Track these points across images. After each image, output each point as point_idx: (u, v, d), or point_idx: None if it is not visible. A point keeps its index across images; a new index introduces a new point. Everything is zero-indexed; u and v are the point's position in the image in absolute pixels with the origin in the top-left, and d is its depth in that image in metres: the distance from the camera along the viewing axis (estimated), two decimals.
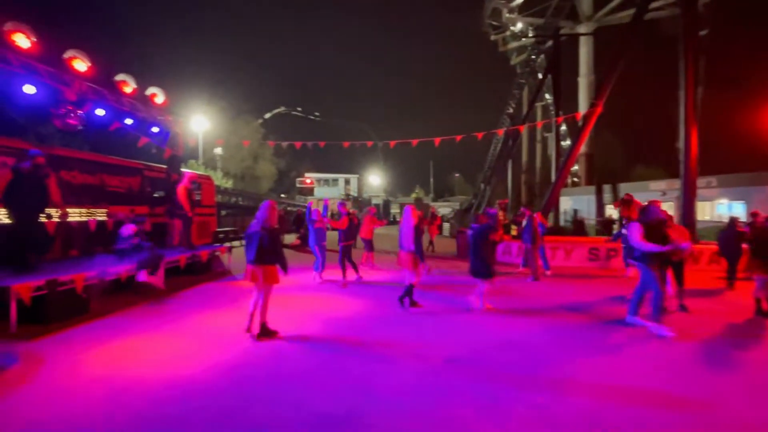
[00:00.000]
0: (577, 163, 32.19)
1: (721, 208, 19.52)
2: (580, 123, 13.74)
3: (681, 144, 11.18)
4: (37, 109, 6.94)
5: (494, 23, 41.53)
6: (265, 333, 4.55)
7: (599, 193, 24.46)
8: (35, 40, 5.93)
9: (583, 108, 28.77)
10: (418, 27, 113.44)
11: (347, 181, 46.24)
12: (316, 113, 45.86)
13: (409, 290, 5.92)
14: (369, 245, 10.28)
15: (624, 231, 10.23)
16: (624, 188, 24.76)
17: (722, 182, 19.38)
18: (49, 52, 6.26)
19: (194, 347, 4.31)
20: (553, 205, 14.09)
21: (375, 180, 51.49)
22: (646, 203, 5.53)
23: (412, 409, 2.98)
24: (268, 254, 4.43)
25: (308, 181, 45.66)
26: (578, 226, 19.20)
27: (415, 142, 11.94)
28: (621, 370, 3.76)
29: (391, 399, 3.14)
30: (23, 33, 5.78)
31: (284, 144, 13.66)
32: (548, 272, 9.09)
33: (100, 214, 7.98)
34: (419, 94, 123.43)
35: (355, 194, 44.93)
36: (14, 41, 5.70)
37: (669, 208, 23.03)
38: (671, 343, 4.46)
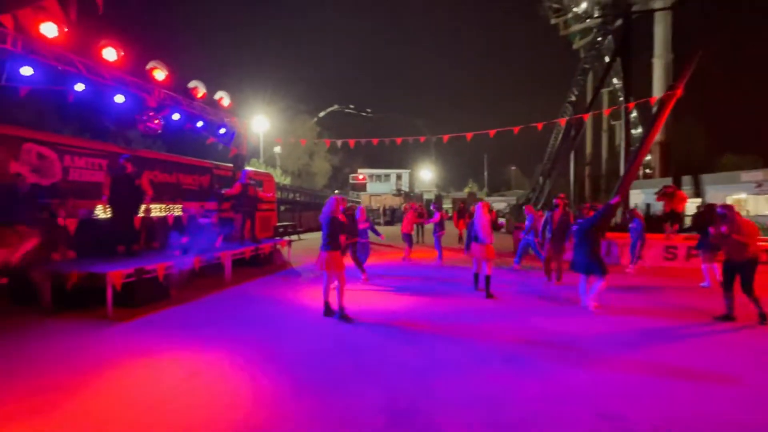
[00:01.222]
0: (650, 153, 29.33)
1: None
2: (654, 108, 12.47)
3: None
4: (124, 116, 7.78)
5: (555, 5, 38.99)
6: (344, 317, 5.01)
7: (677, 186, 22.09)
8: (122, 53, 6.63)
9: (657, 92, 26.14)
10: (473, 14, 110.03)
11: (399, 177, 46.28)
12: (368, 110, 46.36)
13: (486, 280, 6.28)
14: (408, 240, 10.43)
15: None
16: (708, 179, 22.19)
17: None
18: (133, 64, 6.97)
19: (270, 333, 4.59)
20: (624, 198, 12.96)
21: (426, 175, 51.03)
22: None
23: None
24: (333, 242, 4.92)
25: (360, 177, 46.43)
26: (652, 222, 17.51)
27: (469, 135, 11.59)
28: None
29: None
30: (112, 47, 6.48)
31: (339, 142, 13.95)
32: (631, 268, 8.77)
33: (177, 210, 8.76)
34: (474, 85, 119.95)
35: (407, 189, 44.86)
36: (104, 56, 6.42)
37: (766, 201, 20.23)
38: None
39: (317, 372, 3.56)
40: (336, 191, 45.69)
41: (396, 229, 15.85)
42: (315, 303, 6.05)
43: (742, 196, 20.08)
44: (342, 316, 5.04)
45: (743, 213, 13.89)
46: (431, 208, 11.94)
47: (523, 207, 9.36)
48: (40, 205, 5.88)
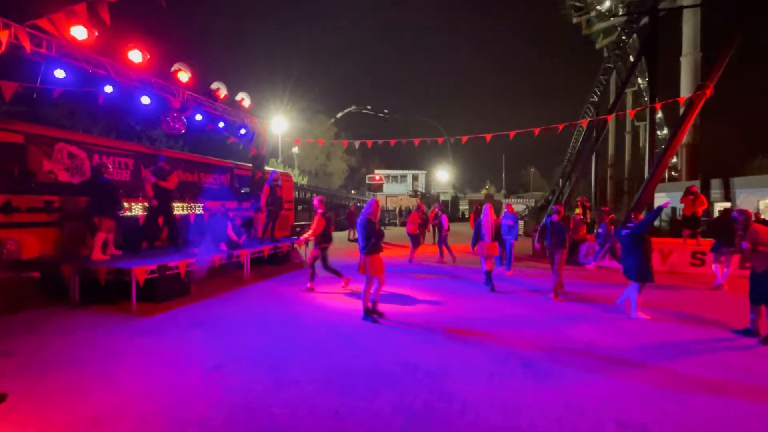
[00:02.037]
0: (676, 156, 28.36)
1: None
2: (682, 109, 12.04)
3: None
4: (149, 117, 8.02)
5: (577, 4, 38.16)
6: (374, 312, 5.14)
7: (705, 189, 21.28)
8: (148, 56, 6.83)
9: (685, 92, 25.26)
10: (493, 14, 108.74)
11: (415, 178, 46.17)
12: (386, 111, 46.42)
13: (488, 275, 7.06)
14: (414, 240, 10.53)
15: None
16: (738, 183, 21.30)
17: None
18: (158, 66, 7.17)
19: (287, 330, 4.64)
20: (647, 202, 12.57)
21: (443, 176, 50.73)
22: None
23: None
24: (371, 245, 4.92)
25: (377, 177, 46.51)
26: (677, 226, 16.94)
27: (488, 137, 11.45)
28: None
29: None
30: (138, 49, 6.68)
31: (356, 142, 14.01)
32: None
33: (198, 208, 8.97)
34: (493, 85, 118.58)
35: (423, 190, 44.70)
36: (130, 58, 6.62)
37: None
38: None
39: (334, 371, 3.58)
40: (353, 191, 45.93)
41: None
42: (330, 302, 6.09)
43: None
44: (367, 314, 5.08)
45: None
46: (436, 209, 11.85)
47: (504, 206, 9.17)
48: (118, 198, 6.49)
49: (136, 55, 6.63)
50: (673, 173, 31.02)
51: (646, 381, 3.45)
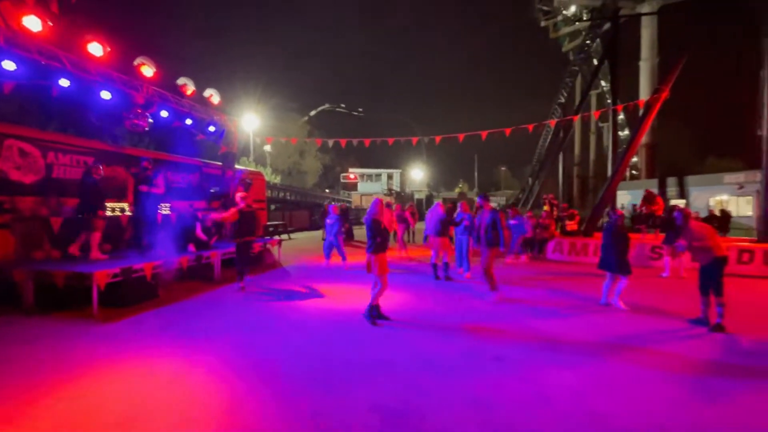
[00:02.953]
0: (636, 155, 29.87)
1: None
2: (641, 111, 12.69)
3: (764, 131, 9.97)
4: (110, 113, 7.62)
5: (545, 8, 39.44)
6: (379, 316, 5.02)
7: (662, 187, 22.56)
8: (109, 49, 6.49)
9: (644, 94, 26.62)
10: (463, 15, 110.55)
11: (390, 176, 46.32)
12: (360, 109, 46.30)
13: (445, 267, 7.74)
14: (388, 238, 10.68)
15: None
16: (691, 181, 22.67)
17: None
18: (120, 59, 6.83)
19: (259, 332, 4.54)
20: (610, 200, 13.16)
21: (418, 174, 51.15)
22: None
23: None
24: (377, 244, 4.86)
25: (352, 176, 46.31)
26: (638, 222, 17.90)
27: (461, 136, 11.66)
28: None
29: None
30: (98, 42, 6.34)
31: (330, 141, 13.90)
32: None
33: (164, 209, 8.62)
34: (464, 86, 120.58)
35: (398, 189, 44.91)
36: (90, 51, 6.28)
37: (747, 203, 20.71)
38: None
39: (309, 370, 3.54)
40: (327, 190, 45.54)
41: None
42: (305, 302, 6.02)
43: (725, 197, 20.57)
44: (370, 315, 4.97)
45: (731, 213, 14.28)
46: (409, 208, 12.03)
47: (458, 204, 8.73)
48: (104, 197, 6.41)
49: (95, 48, 6.30)
50: (633, 172, 32.63)
51: (612, 370, 3.62)
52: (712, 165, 32.80)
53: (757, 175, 12.32)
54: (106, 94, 6.80)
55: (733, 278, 7.49)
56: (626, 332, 4.69)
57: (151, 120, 7.94)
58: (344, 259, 9.08)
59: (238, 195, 6.93)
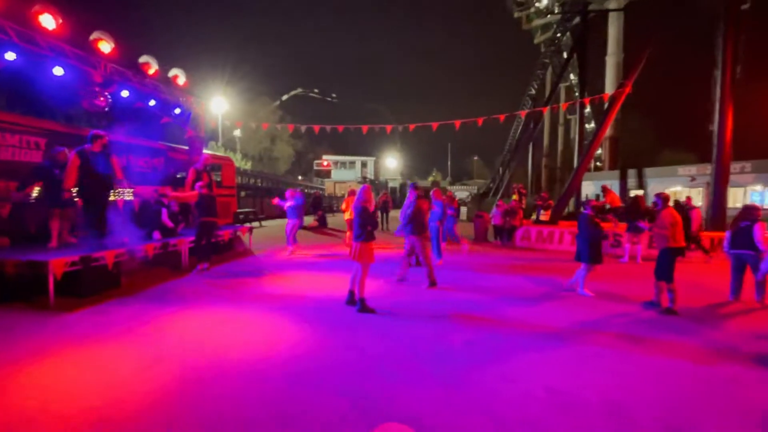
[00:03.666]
0: (600, 147, 31.14)
1: (755, 195, 18.67)
2: (606, 105, 13.21)
3: (715, 126, 10.65)
4: (65, 91, 7.12)
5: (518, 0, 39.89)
6: (365, 308, 4.88)
7: (623, 178, 23.72)
8: (61, 21, 6.03)
9: (609, 89, 27.60)
10: (438, 5, 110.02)
11: (364, 164, 46.11)
12: (333, 95, 45.57)
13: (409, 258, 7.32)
14: (349, 225, 10.64)
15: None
16: (650, 173, 23.92)
17: (757, 167, 18.46)
18: (75, 33, 6.37)
19: (225, 323, 4.47)
20: (576, 189, 13.75)
21: (392, 163, 51.19)
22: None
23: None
24: (361, 232, 4.78)
25: (325, 163, 45.75)
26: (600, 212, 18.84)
27: (435, 125, 11.74)
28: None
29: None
30: (50, 14, 5.87)
31: (303, 127, 13.64)
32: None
33: (127, 194, 8.23)
34: (438, 75, 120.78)
35: (372, 177, 44.81)
36: (41, 23, 5.81)
37: (698, 194, 22.15)
38: None
39: (278, 357, 3.54)
40: (300, 177, 44.79)
41: None
42: (274, 289, 5.97)
43: (678, 188, 21.91)
44: (363, 307, 4.88)
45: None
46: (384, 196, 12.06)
47: (431, 193, 8.72)
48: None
49: (47, 20, 5.84)
50: (598, 163, 34.04)
51: (570, 351, 3.84)
52: (667, 158, 34.70)
53: (708, 168, 13.17)
54: (58, 70, 6.34)
55: (685, 263, 8.08)
56: (587, 315, 4.97)
57: (110, 100, 7.49)
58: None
59: (198, 185, 6.93)
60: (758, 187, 18.51)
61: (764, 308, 5.41)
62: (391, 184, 43.51)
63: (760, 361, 3.67)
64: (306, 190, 30.08)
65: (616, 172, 25.23)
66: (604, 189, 11.50)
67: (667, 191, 24.15)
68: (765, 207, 9.68)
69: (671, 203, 5.78)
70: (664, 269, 5.16)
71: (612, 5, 32.65)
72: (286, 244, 9.31)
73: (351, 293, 5.11)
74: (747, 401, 2.97)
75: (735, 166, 15.70)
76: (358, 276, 4.93)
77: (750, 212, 5.55)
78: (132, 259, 6.17)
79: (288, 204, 9.07)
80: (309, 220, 17.39)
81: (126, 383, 3.06)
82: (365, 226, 4.83)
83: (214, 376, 3.20)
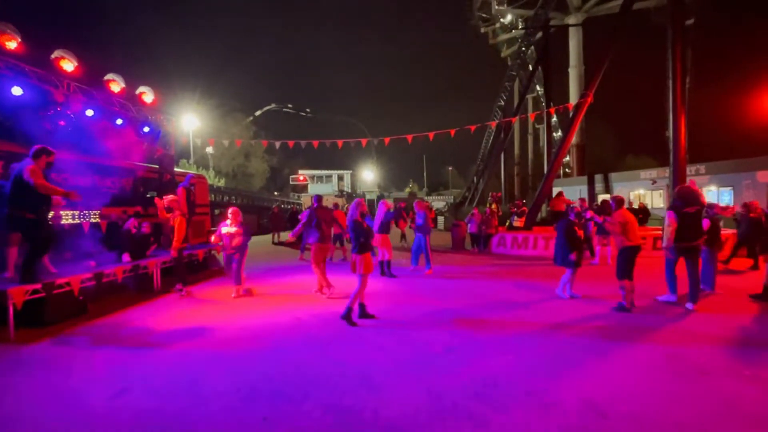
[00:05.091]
0: (568, 155, 32.43)
1: (710, 195, 19.85)
2: (570, 114, 13.84)
3: (670, 133, 11.34)
4: (24, 111, 6.83)
5: (484, 15, 41.54)
6: (348, 318, 4.89)
7: (591, 184, 24.71)
8: (21, 40, 5.83)
9: (573, 99, 28.93)
10: (407, 21, 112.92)
11: (341, 178, 46.11)
12: (308, 110, 45.56)
13: (388, 264, 8.05)
14: (336, 239, 10.75)
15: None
16: (615, 177, 25.04)
17: (710, 169, 19.68)
18: (35, 52, 6.16)
19: (201, 344, 4.32)
20: (546, 196, 14.20)
21: (368, 176, 51.38)
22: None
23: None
24: (361, 244, 4.85)
25: (301, 178, 45.44)
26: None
27: (410, 137, 11.95)
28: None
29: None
30: (8, 33, 5.67)
31: (277, 143, 13.57)
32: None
33: (93, 216, 7.90)
34: (410, 89, 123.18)
35: (349, 190, 44.81)
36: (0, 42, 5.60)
37: (660, 196, 23.20)
38: None
39: (261, 378, 3.45)
40: (275, 193, 44.25)
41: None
42: (247, 309, 5.84)
43: (641, 191, 23.01)
44: (347, 316, 4.90)
45: (644, 205, 16.08)
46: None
47: (414, 204, 9.16)
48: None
49: (6, 40, 5.63)
50: (567, 170, 35.38)
51: (548, 352, 3.94)
52: (630, 163, 36.48)
53: (666, 172, 13.94)
54: (17, 90, 6.09)
55: (650, 260, 8.47)
56: (561, 317, 5.11)
57: (74, 119, 7.24)
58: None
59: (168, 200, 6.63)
60: (713, 188, 19.70)
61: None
62: (368, 197, 43.59)
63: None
64: (282, 206, 29.70)
65: (584, 178, 26.27)
66: (558, 195, 12.13)
67: (632, 194, 25.09)
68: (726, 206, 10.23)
69: (636, 206, 6.13)
70: (621, 268, 5.39)
71: (571, 20, 34.50)
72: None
73: (362, 306, 5.12)
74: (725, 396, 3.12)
75: (691, 169, 16.70)
76: (356, 287, 4.95)
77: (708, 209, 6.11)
78: (100, 283, 5.90)
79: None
80: (286, 236, 17.15)
81: (94, 414, 2.90)
82: (359, 238, 4.90)
83: (183, 407, 3.08)
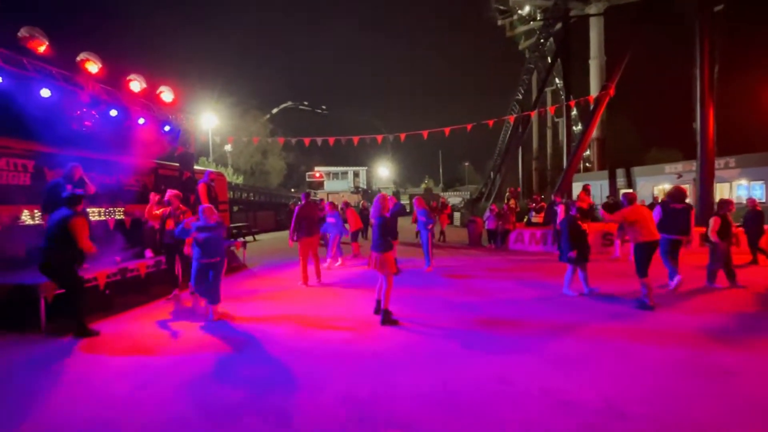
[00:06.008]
0: (588, 148, 31.57)
1: (741, 189, 18.99)
2: (591, 107, 13.47)
3: (697, 124, 10.92)
4: (52, 112, 7.10)
5: (501, 7, 40.65)
6: (388, 320, 4.66)
7: (612, 178, 24.02)
8: (48, 44, 6.05)
9: (594, 91, 28.12)
10: (424, 15, 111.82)
11: (356, 174, 46.22)
12: (323, 107, 45.88)
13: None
14: (354, 236, 11.03)
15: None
16: (638, 172, 24.25)
17: (741, 162, 18.79)
18: (62, 55, 6.39)
19: (229, 339, 4.43)
20: (566, 190, 13.90)
21: (384, 172, 51.39)
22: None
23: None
24: (382, 242, 4.63)
25: (317, 175, 45.77)
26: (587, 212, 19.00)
27: (425, 133, 11.86)
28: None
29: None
30: (38, 38, 5.89)
31: (293, 140, 13.69)
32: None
33: (118, 213, 8.18)
34: (426, 84, 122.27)
35: (365, 186, 44.92)
36: (29, 46, 5.83)
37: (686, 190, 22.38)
38: None
39: (281, 368, 3.52)
40: (293, 189, 44.75)
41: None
42: (273, 303, 5.94)
43: (666, 186, 22.22)
44: (386, 319, 4.68)
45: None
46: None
47: (413, 201, 9.00)
48: None
49: (35, 44, 5.85)
50: (587, 164, 34.47)
51: (564, 350, 3.87)
52: (654, 156, 35.24)
53: (694, 165, 13.42)
54: (45, 92, 6.33)
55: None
56: (580, 314, 5.01)
57: (99, 119, 7.48)
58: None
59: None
60: (743, 182, 18.85)
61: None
62: (388, 193, 43.64)
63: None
64: (298, 202, 29.97)
65: (605, 173, 25.55)
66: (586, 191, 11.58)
67: (657, 188, 24.27)
68: (761, 201, 9.82)
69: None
70: (637, 264, 5.25)
71: (592, 10, 33.42)
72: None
73: (378, 302, 4.96)
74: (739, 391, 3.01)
75: (719, 162, 16.02)
76: (383, 287, 4.75)
77: (721, 206, 6.16)
78: (125, 279, 6.10)
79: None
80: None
81: (117, 405, 3.01)
82: (385, 236, 4.64)
83: (214, 389, 3.16)
